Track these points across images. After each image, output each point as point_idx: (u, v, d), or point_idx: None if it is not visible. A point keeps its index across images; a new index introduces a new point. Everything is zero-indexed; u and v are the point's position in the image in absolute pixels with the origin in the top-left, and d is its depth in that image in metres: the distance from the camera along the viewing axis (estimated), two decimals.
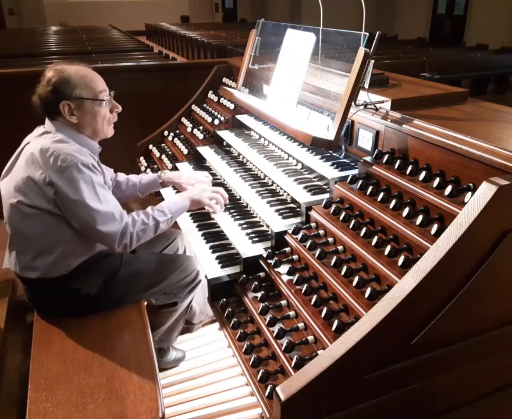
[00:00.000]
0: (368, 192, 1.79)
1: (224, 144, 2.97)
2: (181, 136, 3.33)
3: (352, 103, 1.93)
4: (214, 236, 2.26)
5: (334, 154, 2.23)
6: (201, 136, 3.06)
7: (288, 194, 2.19)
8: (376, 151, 1.88)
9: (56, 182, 1.65)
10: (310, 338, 1.56)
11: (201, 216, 2.43)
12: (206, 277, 2.03)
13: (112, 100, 1.87)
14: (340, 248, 1.73)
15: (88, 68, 1.84)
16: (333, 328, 1.47)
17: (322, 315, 1.54)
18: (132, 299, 1.94)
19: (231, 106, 3.09)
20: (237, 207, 2.33)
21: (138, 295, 1.95)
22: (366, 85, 2.00)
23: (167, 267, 2.00)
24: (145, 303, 2.01)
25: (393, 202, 1.66)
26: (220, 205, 2.10)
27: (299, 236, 1.86)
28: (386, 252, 1.53)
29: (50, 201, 1.68)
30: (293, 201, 2.17)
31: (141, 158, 3.38)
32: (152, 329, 2.10)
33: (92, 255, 1.85)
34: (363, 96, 1.99)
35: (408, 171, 1.70)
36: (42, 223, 1.72)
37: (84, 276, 1.82)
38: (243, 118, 2.97)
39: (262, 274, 1.91)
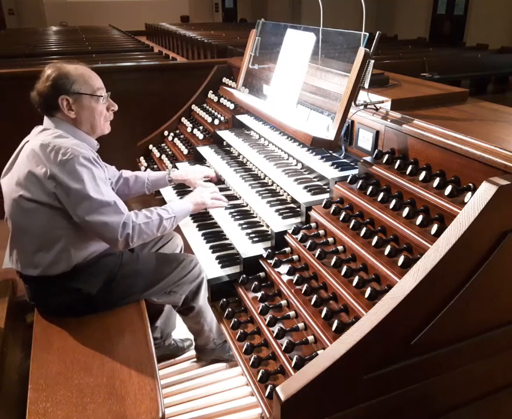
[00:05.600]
0: (368, 192, 1.79)
1: (224, 144, 2.97)
2: (181, 136, 3.33)
3: (352, 103, 1.93)
4: (214, 236, 2.26)
5: (334, 154, 2.23)
6: (201, 136, 3.06)
7: (288, 194, 2.18)
8: (376, 151, 1.88)
9: (57, 175, 1.67)
10: (310, 338, 1.56)
11: (201, 216, 2.43)
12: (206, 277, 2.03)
13: (108, 99, 1.93)
14: (340, 248, 1.73)
15: (86, 67, 1.90)
16: (333, 328, 1.47)
17: (322, 315, 1.54)
18: (132, 299, 1.94)
19: (231, 106, 3.09)
20: (237, 207, 2.33)
21: (138, 295, 1.96)
22: (366, 85, 2.00)
23: (167, 266, 2.02)
24: (146, 304, 2.01)
25: (393, 202, 1.65)
26: (222, 202, 2.28)
27: (299, 236, 1.86)
28: (386, 252, 1.53)
29: (50, 194, 1.70)
30: (293, 201, 2.17)
31: (141, 158, 3.37)
32: (200, 334, 2.21)
33: (93, 256, 1.85)
34: (363, 96, 1.99)
35: (408, 172, 1.70)
36: (42, 217, 1.73)
37: (85, 276, 1.82)
38: (243, 118, 2.97)
39: (262, 274, 1.91)
